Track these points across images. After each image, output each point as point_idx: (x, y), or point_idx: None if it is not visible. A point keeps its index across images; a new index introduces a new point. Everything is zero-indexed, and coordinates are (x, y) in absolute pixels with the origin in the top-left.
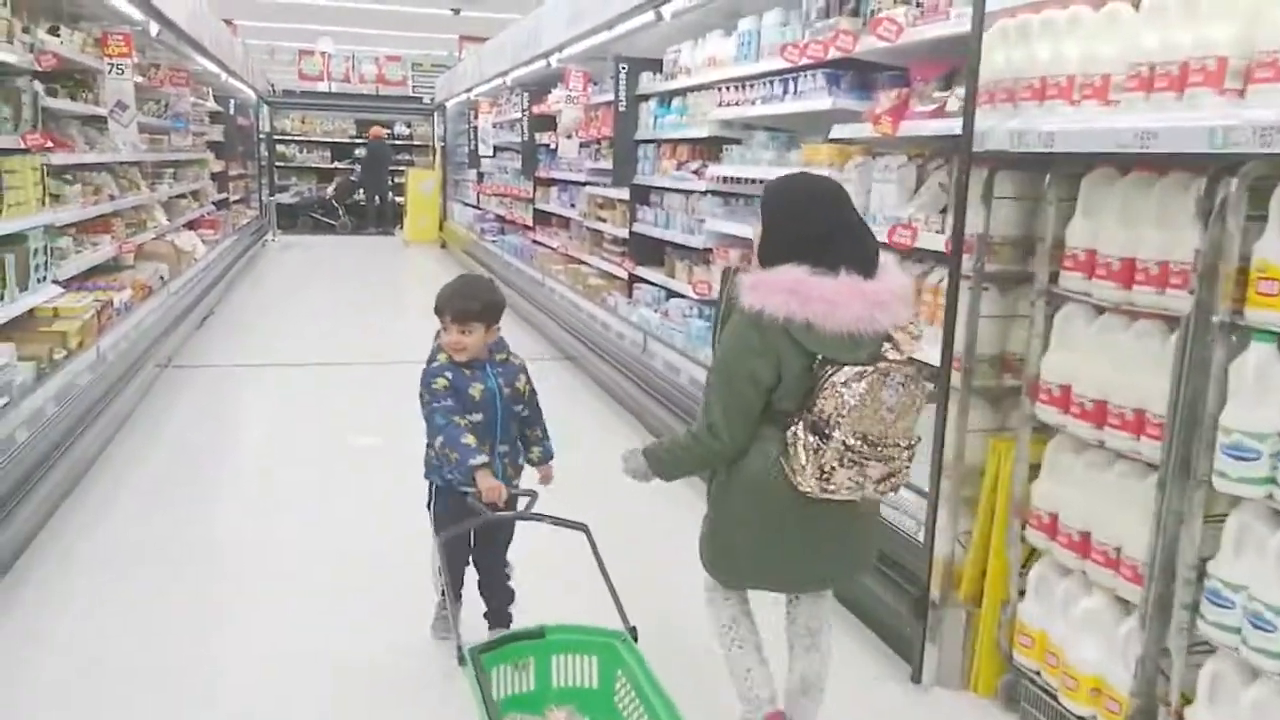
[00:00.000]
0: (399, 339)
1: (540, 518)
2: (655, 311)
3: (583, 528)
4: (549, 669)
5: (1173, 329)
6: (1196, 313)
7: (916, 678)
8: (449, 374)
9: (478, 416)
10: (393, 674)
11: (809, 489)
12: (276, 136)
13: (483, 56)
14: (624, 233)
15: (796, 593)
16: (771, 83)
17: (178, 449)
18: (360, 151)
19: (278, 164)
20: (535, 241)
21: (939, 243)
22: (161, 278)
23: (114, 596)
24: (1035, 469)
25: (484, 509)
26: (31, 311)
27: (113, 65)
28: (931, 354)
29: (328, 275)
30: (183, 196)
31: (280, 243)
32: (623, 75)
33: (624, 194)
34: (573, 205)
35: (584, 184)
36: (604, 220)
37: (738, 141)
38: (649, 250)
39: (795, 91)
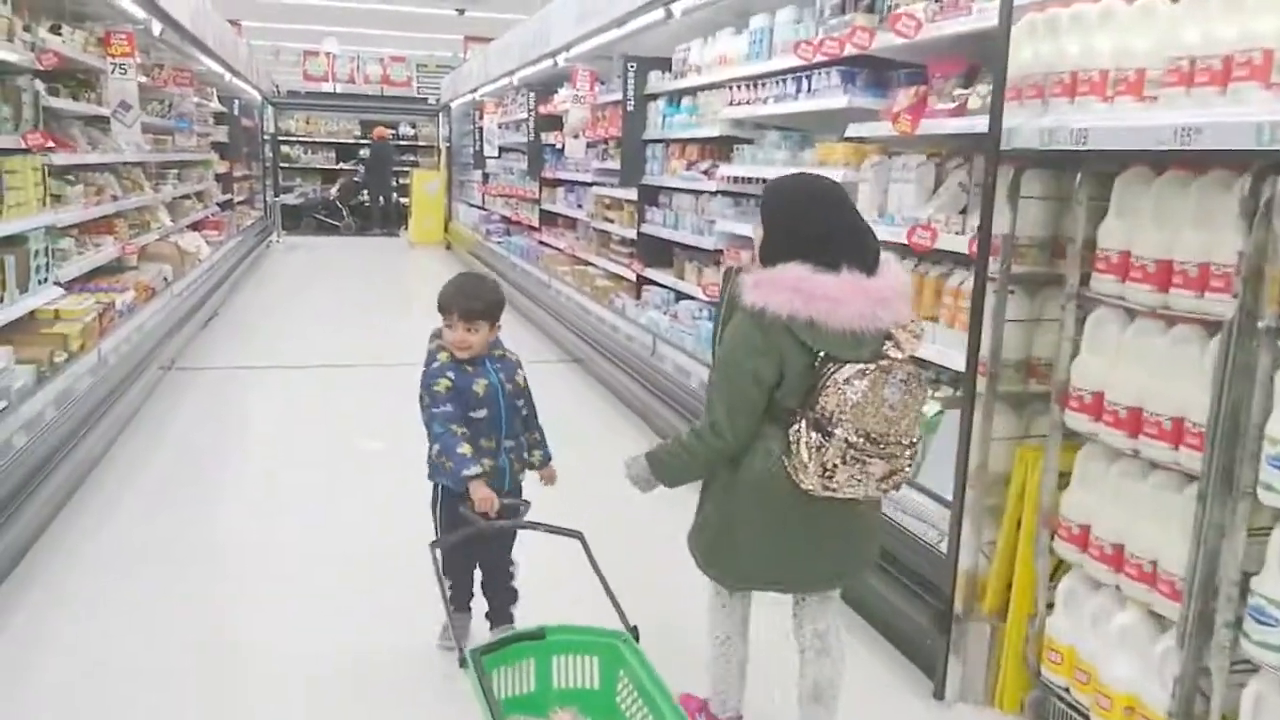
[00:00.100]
0: (404, 341)
1: (535, 526)
2: (664, 314)
3: (577, 535)
4: (549, 670)
5: (1213, 334)
6: (1240, 317)
7: (939, 693)
8: (451, 374)
9: (483, 413)
10: (395, 675)
11: (811, 487)
12: (281, 137)
13: (488, 56)
14: (632, 234)
15: (800, 592)
16: (784, 81)
17: (181, 451)
18: (364, 152)
19: (282, 165)
20: (541, 243)
21: (959, 244)
22: (165, 279)
23: (117, 598)
24: (1063, 478)
25: (477, 519)
26: (32, 313)
27: (115, 65)
28: (954, 358)
29: (332, 277)
30: (187, 197)
31: (285, 244)
32: (631, 74)
33: (632, 194)
34: (579, 206)
35: (591, 184)
36: (611, 221)
37: (749, 141)
38: (657, 251)
39: (809, 90)
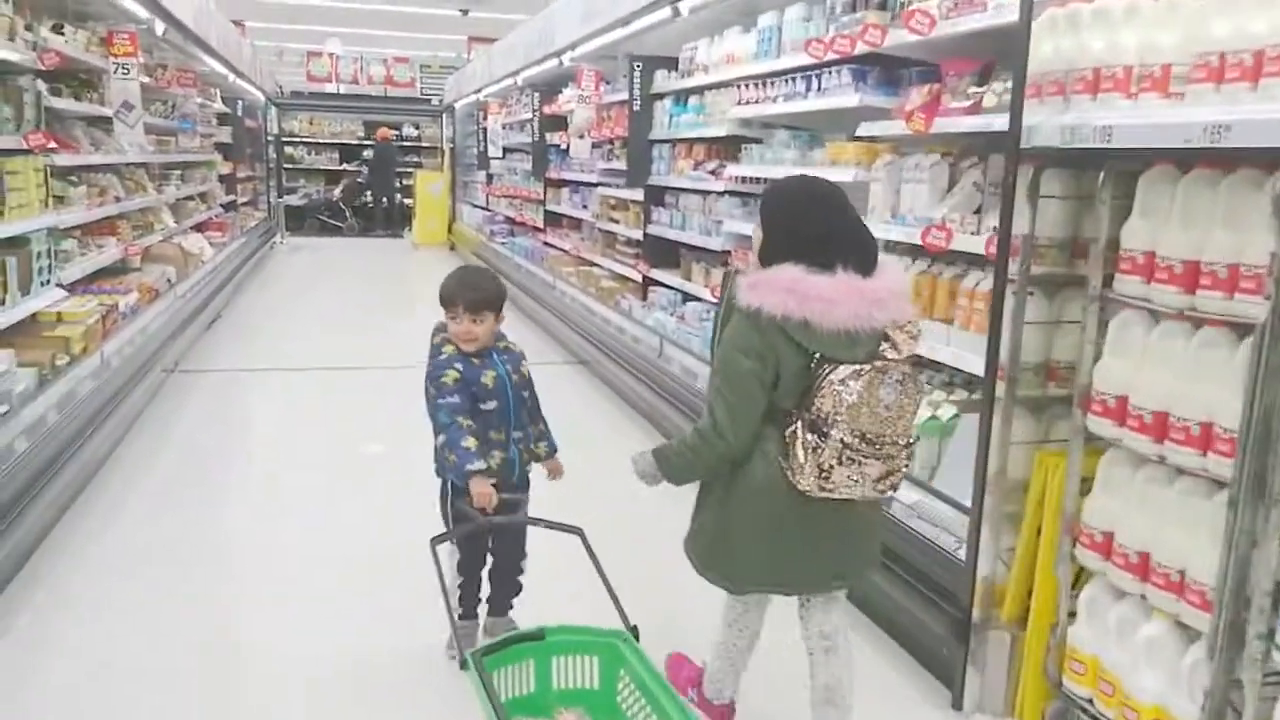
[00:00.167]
0: (408, 343)
1: (535, 522)
2: (671, 315)
3: (577, 531)
4: (549, 671)
5: (1242, 336)
6: (1273, 320)
7: (957, 704)
8: (459, 365)
9: (492, 404)
10: (397, 677)
11: (807, 487)
12: (285, 138)
13: (492, 56)
14: (638, 234)
15: (803, 594)
16: (793, 79)
17: (185, 453)
18: (367, 154)
19: (286, 166)
20: (546, 243)
21: (975, 244)
22: (168, 281)
23: (122, 600)
24: (1085, 483)
25: (475, 514)
26: (34, 316)
27: (118, 65)
28: (970, 361)
29: (336, 278)
30: (190, 198)
31: (289, 245)
32: (637, 73)
33: (638, 195)
34: (584, 206)
35: (596, 185)
36: (617, 222)
37: (757, 141)
38: (664, 252)
39: (819, 88)
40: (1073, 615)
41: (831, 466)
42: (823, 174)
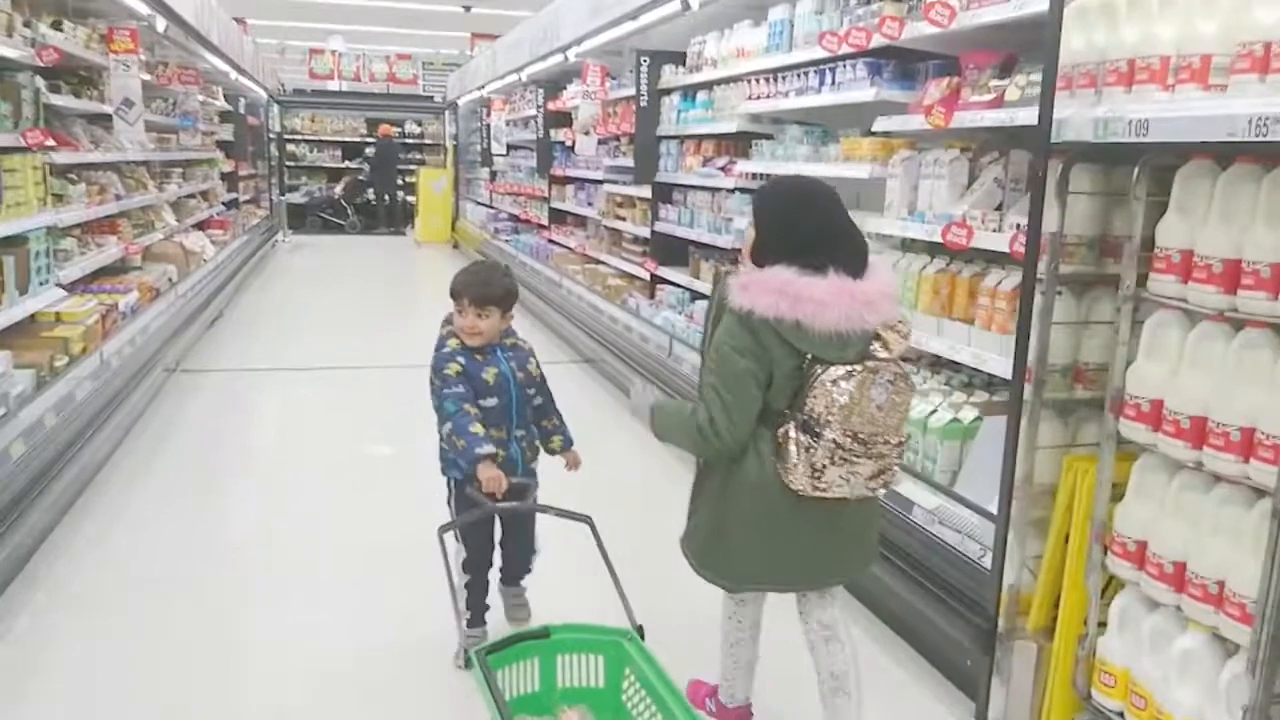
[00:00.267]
0: (411, 342)
1: (544, 509)
2: (680, 314)
3: (586, 519)
4: (554, 669)
5: None
6: None
7: (982, 716)
8: (461, 359)
9: (493, 401)
10: (403, 676)
11: (800, 487)
12: (287, 136)
13: (496, 53)
14: (645, 232)
15: (800, 590)
16: (806, 74)
17: (186, 454)
18: (369, 151)
19: (288, 164)
20: (551, 241)
21: (997, 241)
22: (170, 280)
23: (123, 602)
24: (1115, 489)
25: (484, 500)
26: (33, 316)
27: (118, 61)
28: (992, 362)
29: (339, 276)
30: (192, 196)
31: (291, 243)
32: (644, 69)
33: (645, 192)
34: (590, 204)
35: (602, 182)
36: (623, 219)
37: (768, 136)
38: (672, 250)
39: (833, 83)
40: (1102, 625)
41: (824, 466)
42: (837, 170)
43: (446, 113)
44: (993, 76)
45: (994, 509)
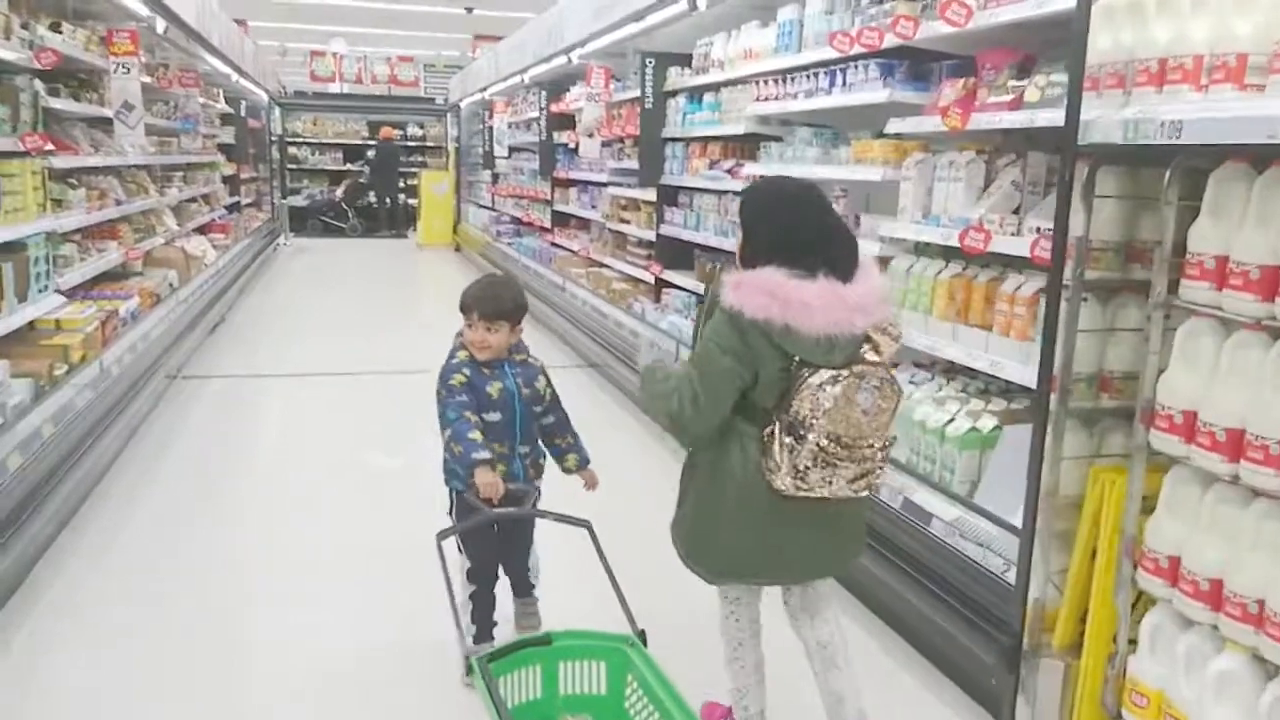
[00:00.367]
0: (413, 347)
1: (542, 514)
2: (686, 318)
3: (585, 524)
4: (556, 676)
5: None
6: None
7: None
8: (467, 370)
9: (496, 415)
10: (405, 683)
11: (783, 486)
12: (288, 138)
13: (499, 54)
14: (650, 235)
15: (782, 584)
16: (816, 75)
17: (188, 461)
18: (370, 153)
19: (290, 167)
20: (553, 244)
21: (1016, 246)
22: (171, 285)
23: (125, 611)
24: (1145, 501)
25: (481, 506)
26: (31, 324)
27: (118, 64)
28: (1010, 369)
29: (341, 280)
30: (193, 200)
31: (293, 246)
32: (649, 70)
33: (650, 195)
34: (593, 206)
35: (606, 184)
36: (628, 222)
37: (776, 138)
38: (677, 253)
39: (844, 84)
40: (1132, 643)
41: (807, 468)
42: (849, 172)
43: (448, 115)
44: (1010, 77)
45: (1016, 521)
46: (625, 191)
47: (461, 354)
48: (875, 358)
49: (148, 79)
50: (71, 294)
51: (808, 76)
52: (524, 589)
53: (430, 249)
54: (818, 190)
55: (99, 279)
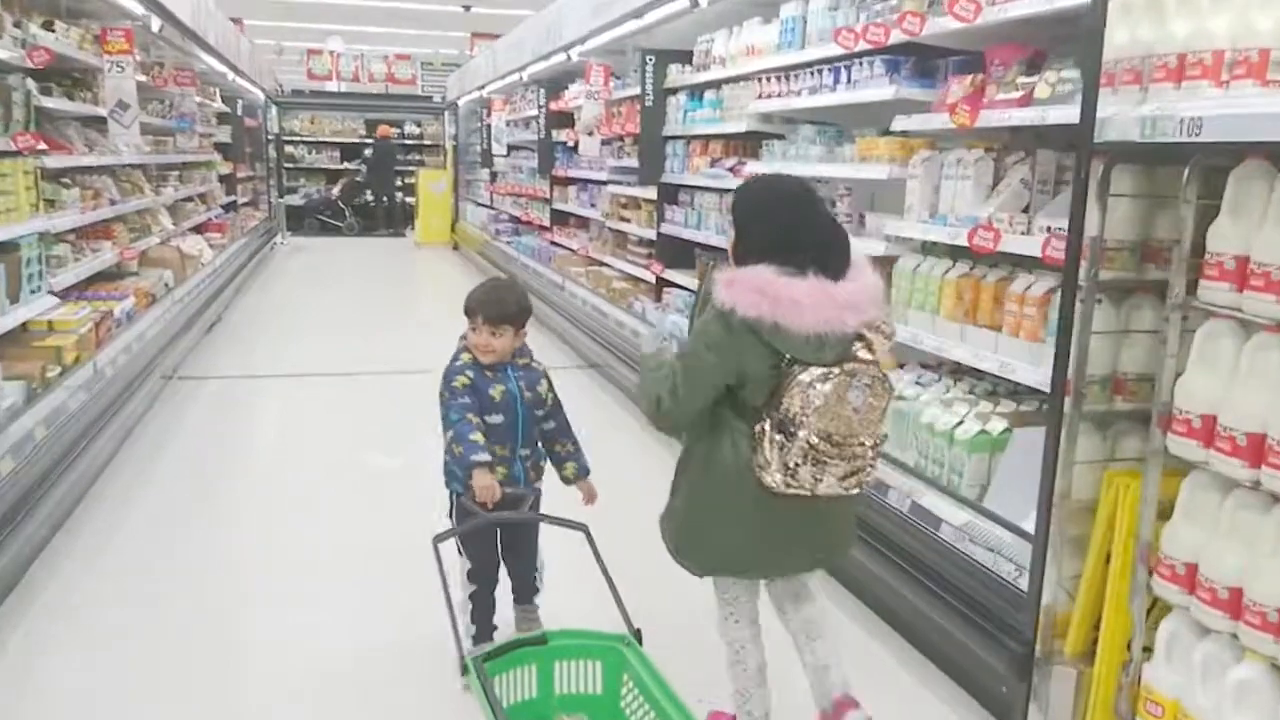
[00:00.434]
0: (412, 347)
1: (539, 518)
2: (688, 317)
3: (582, 528)
4: (551, 676)
5: None
6: None
7: None
8: (470, 373)
9: (498, 419)
10: (402, 683)
11: (773, 483)
12: (285, 137)
13: (497, 52)
14: (651, 234)
15: (769, 578)
16: (820, 72)
17: (184, 462)
18: (367, 152)
19: (287, 165)
20: (553, 243)
21: (1026, 245)
22: (166, 285)
23: (121, 612)
24: (1159, 507)
25: (478, 509)
26: (24, 325)
27: (113, 63)
28: (1021, 371)
29: (338, 279)
30: (189, 200)
31: (290, 245)
32: (649, 68)
33: (651, 193)
34: (593, 205)
35: (606, 183)
36: (628, 220)
37: (779, 136)
38: (678, 252)
39: (849, 81)
40: (1146, 650)
41: (797, 465)
42: (854, 171)
43: (446, 113)
44: (1019, 73)
45: (1027, 525)
46: (625, 190)
47: (465, 356)
48: (867, 356)
49: (143, 78)
50: (65, 295)
51: (811, 73)
52: (526, 595)
53: (428, 248)
54: (810, 188)
55: (93, 279)
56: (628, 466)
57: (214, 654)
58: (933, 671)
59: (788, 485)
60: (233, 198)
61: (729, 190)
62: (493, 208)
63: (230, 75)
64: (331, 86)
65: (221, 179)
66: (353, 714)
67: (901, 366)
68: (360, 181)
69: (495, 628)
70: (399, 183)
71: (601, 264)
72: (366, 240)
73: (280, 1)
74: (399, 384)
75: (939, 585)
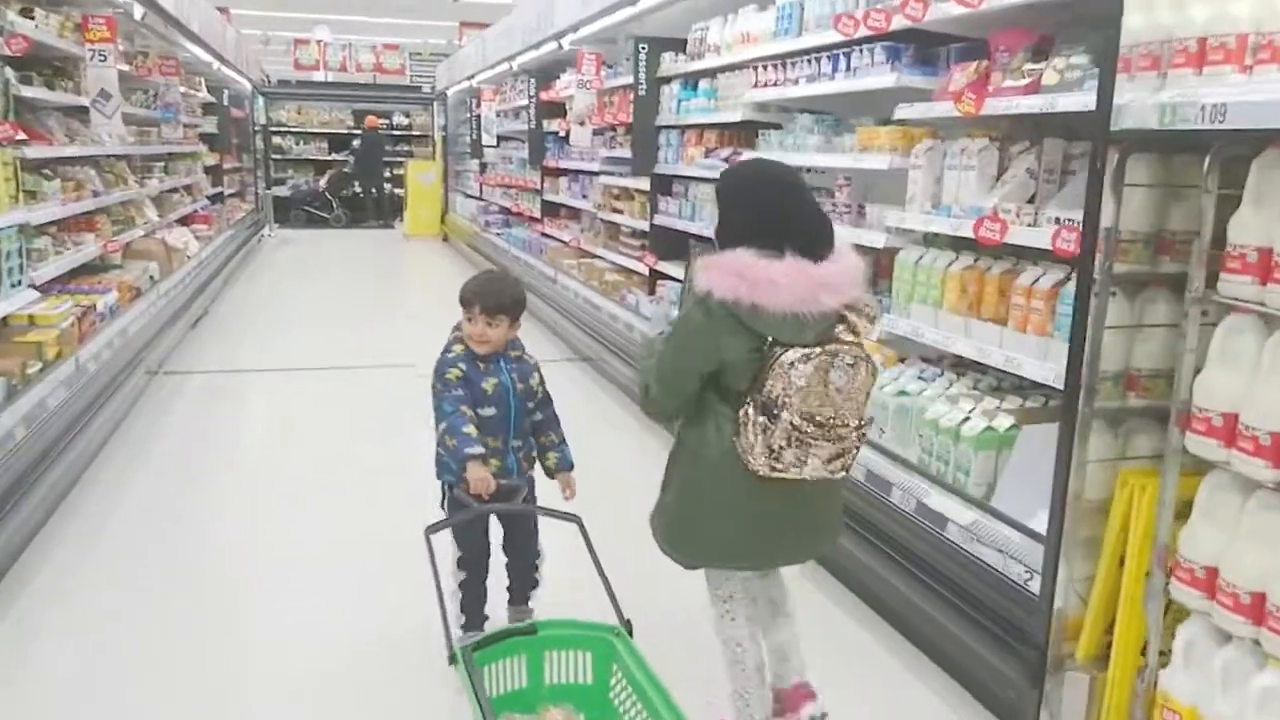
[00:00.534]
0: (401, 339)
1: (532, 509)
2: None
3: (575, 519)
4: (541, 665)
5: None
6: None
7: None
8: (463, 365)
9: (490, 411)
10: (391, 673)
11: (758, 468)
12: (272, 128)
13: (486, 41)
14: (644, 225)
15: (758, 569)
16: (818, 59)
17: (170, 457)
18: (355, 143)
19: (274, 156)
20: (544, 234)
21: (1034, 237)
22: (151, 278)
23: (112, 606)
24: (1175, 507)
25: (471, 501)
26: (4, 320)
27: (94, 51)
28: (1027, 366)
29: (326, 271)
30: (174, 191)
31: (278, 237)
32: (642, 56)
33: (644, 184)
34: (584, 196)
35: (598, 174)
36: (620, 212)
37: (775, 126)
38: (672, 244)
39: (849, 68)
40: (1163, 655)
41: (781, 448)
42: (854, 161)
43: (435, 103)
44: (1026, 60)
45: (1035, 525)
46: (618, 180)
47: (458, 348)
48: (850, 337)
49: (125, 67)
50: (46, 289)
51: (809, 61)
52: (521, 595)
53: (417, 239)
54: (793, 173)
55: (76, 272)
56: (619, 459)
57: (206, 639)
58: (938, 674)
59: (772, 469)
60: (219, 189)
61: None
62: (483, 199)
63: (216, 65)
64: (319, 76)
65: (207, 170)
66: (344, 699)
67: (902, 360)
68: (348, 173)
69: (486, 618)
70: (387, 174)
71: (594, 256)
72: (355, 232)
73: None
74: (388, 377)
75: (945, 586)
